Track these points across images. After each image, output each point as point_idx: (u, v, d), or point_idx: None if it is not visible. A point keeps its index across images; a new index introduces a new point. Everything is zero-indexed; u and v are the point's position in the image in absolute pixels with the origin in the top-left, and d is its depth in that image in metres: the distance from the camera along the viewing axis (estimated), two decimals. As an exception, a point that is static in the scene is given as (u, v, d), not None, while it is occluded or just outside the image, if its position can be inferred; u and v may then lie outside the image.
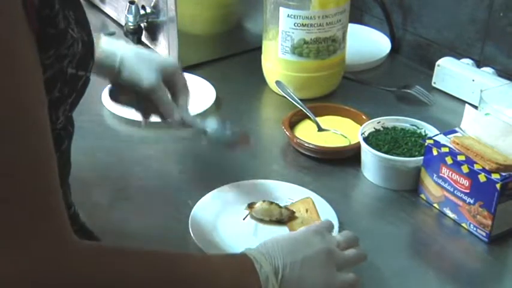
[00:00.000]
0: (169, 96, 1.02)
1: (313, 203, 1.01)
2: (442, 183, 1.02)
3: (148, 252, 0.72)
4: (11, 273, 0.59)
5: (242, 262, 0.78)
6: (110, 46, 1.00)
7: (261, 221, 1.00)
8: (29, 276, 0.60)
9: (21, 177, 0.59)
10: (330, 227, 0.88)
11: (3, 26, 0.58)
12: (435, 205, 1.05)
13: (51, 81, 0.68)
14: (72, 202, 0.86)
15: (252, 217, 1.00)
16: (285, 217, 0.99)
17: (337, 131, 1.21)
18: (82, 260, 0.64)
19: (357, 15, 1.59)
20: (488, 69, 1.34)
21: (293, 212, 1.00)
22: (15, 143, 0.59)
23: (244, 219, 1.00)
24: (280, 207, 0.99)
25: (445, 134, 1.04)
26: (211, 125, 1.02)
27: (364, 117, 1.20)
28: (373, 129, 1.15)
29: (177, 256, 0.75)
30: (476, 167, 0.96)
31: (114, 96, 1.03)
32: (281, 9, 1.26)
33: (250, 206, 1.00)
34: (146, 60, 1.01)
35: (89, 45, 0.75)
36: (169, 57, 1.08)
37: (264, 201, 1.00)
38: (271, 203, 1.00)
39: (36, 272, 0.60)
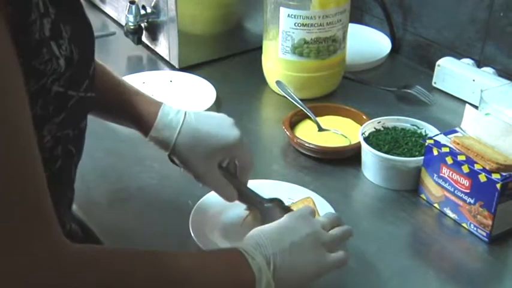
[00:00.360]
0: (223, 181, 0.94)
1: (313, 202, 1.01)
2: (443, 183, 1.02)
3: (143, 252, 0.72)
4: (1, 274, 0.59)
5: (234, 256, 0.78)
6: (167, 122, 0.93)
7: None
8: (18, 277, 0.60)
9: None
10: (313, 211, 0.89)
11: None
12: (435, 205, 1.05)
13: (31, 97, 0.66)
14: (67, 222, 0.85)
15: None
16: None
17: (337, 131, 1.21)
18: (74, 261, 0.64)
19: (357, 15, 1.59)
20: (488, 69, 1.34)
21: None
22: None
23: (244, 219, 1.00)
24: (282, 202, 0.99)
25: (446, 134, 1.04)
26: (269, 202, 0.98)
27: (364, 117, 1.20)
28: (374, 129, 1.15)
29: (172, 255, 0.75)
30: (476, 167, 0.96)
31: (174, 162, 0.97)
32: (281, 9, 1.26)
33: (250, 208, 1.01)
34: (202, 144, 0.92)
35: (83, 64, 0.73)
36: (231, 131, 0.94)
37: None
38: None
39: (25, 273, 0.60)
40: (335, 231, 0.87)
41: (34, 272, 0.60)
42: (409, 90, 1.35)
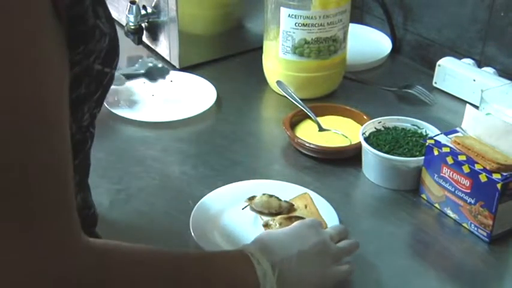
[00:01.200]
0: None
1: (310, 198, 1.01)
2: (443, 183, 1.02)
3: (153, 252, 0.72)
4: (17, 272, 0.59)
5: (239, 259, 0.78)
6: None
7: (261, 213, 1.00)
8: (33, 274, 0.60)
9: (34, 173, 0.59)
10: (321, 223, 0.90)
11: (30, 25, 0.58)
12: (436, 205, 1.05)
13: (79, 78, 0.68)
14: (92, 203, 0.86)
15: (252, 209, 1.00)
16: (284, 209, 0.99)
17: (338, 131, 1.21)
18: (89, 260, 0.64)
19: (358, 15, 1.59)
20: (489, 69, 1.33)
21: (292, 205, 1.00)
22: (35, 141, 0.59)
23: (243, 209, 1.00)
24: (279, 200, 1.00)
25: (446, 134, 1.04)
26: None
27: (365, 117, 1.20)
28: (374, 129, 1.15)
29: (180, 257, 0.75)
30: (477, 167, 0.96)
31: None
32: (282, 9, 1.26)
33: (250, 198, 1.01)
34: None
35: (115, 41, 0.75)
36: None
37: (263, 194, 1.01)
38: (271, 196, 1.00)
39: (41, 271, 0.60)
40: (342, 243, 0.88)
41: (42, 271, 0.60)
42: (409, 90, 1.35)
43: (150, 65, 1.38)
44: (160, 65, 1.38)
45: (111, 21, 0.74)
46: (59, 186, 0.61)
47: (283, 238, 0.82)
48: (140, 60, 1.40)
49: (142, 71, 1.37)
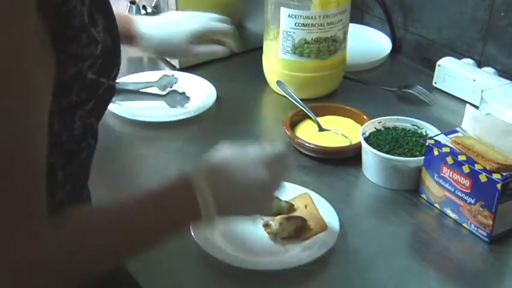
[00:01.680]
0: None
1: (310, 198, 1.01)
2: (443, 183, 1.02)
3: (108, 210, 0.72)
4: None
5: (185, 194, 0.77)
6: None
7: None
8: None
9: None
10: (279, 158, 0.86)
11: (13, 37, 0.58)
12: (436, 205, 1.05)
13: (68, 84, 0.68)
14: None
15: None
16: (284, 209, 0.99)
17: (338, 131, 1.21)
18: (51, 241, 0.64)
19: (358, 15, 1.59)
20: (489, 69, 1.34)
21: (292, 205, 1.00)
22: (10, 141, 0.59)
23: None
24: (279, 200, 1.00)
25: (446, 134, 1.04)
26: None
27: (365, 117, 1.20)
28: (374, 129, 1.15)
29: (128, 204, 0.74)
30: (477, 167, 0.96)
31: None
32: (282, 9, 1.26)
33: None
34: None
35: (114, 52, 0.75)
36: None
37: None
38: None
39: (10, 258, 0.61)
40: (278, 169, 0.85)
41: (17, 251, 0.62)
42: (409, 90, 1.35)
43: (169, 89, 1.32)
44: (181, 91, 1.31)
45: (112, 31, 0.74)
46: (27, 183, 0.62)
47: (228, 168, 0.80)
48: (160, 78, 1.34)
49: (161, 93, 1.31)
